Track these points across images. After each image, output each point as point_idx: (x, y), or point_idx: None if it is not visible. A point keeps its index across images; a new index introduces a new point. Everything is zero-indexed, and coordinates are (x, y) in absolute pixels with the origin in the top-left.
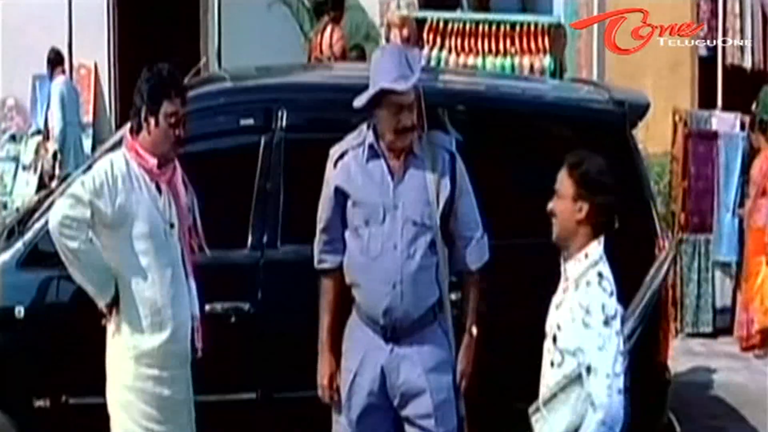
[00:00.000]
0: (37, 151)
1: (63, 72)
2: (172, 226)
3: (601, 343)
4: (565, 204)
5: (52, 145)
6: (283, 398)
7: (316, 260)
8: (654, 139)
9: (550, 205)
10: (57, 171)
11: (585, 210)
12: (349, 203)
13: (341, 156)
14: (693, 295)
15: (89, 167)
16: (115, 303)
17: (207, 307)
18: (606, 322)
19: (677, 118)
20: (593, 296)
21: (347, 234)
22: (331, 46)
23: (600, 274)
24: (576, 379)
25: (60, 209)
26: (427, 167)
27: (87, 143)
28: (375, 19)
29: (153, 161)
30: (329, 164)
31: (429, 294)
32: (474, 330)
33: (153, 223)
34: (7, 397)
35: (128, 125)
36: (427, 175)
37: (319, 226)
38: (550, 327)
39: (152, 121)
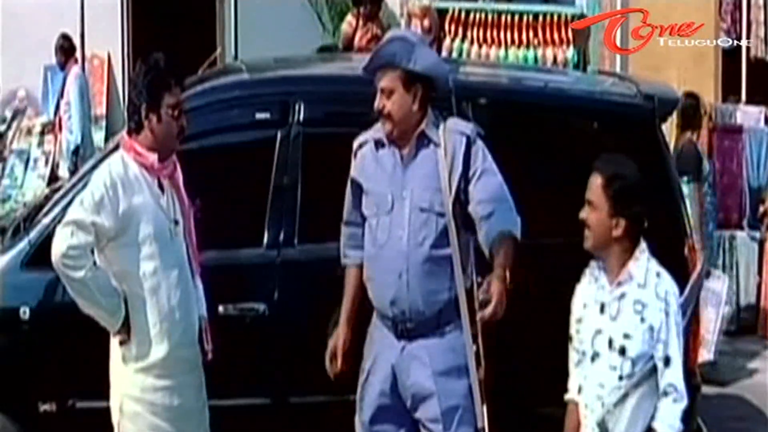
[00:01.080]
0: (41, 143)
1: (76, 61)
2: (176, 223)
3: (678, 330)
4: (600, 217)
5: (73, 141)
6: (299, 403)
7: (341, 256)
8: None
9: (584, 215)
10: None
11: (623, 226)
12: (363, 194)
13: (360, 146)
14: None
15: (95, 166)
16: (126, 323)
17: (220, 309)
18: (678, 308)
19: (701, 112)
20: (668, 285)
21: (365, 226)
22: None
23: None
24: (645, 377)
25: (62, 240)
26: (440, 154)
27: (100, 136)
28: (395, 9)
29: (153, 157)
30: (352, 156)
31: (440, 288)
32: (506, 273)
33: (157, 223)
34: (12, 401)
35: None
36: (440, 161)
37: (343, 219)
38: (605, 339)
39: (154, 117)
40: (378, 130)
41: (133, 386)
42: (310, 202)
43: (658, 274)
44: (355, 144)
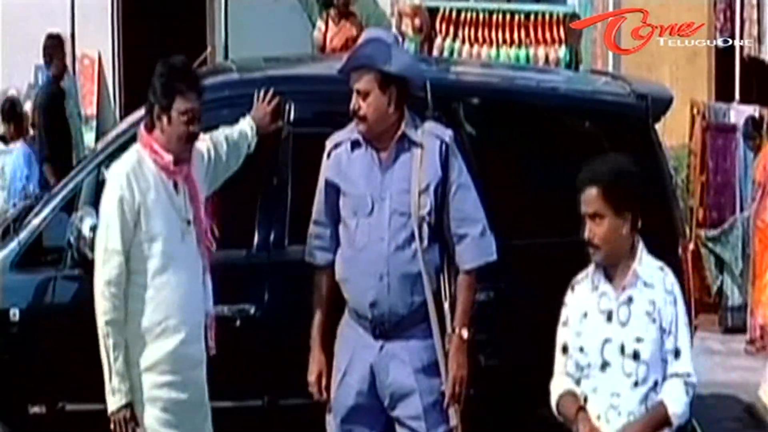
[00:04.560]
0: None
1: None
2: (188, 223)
3: (686, 320)
4: (609, 224)
5: None
6: (290, 405)
7: (306, 253)
8: (671, 131)
9: (590, 233)
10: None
11: (629, 219)
12: (340, 195)
13: (335, 146)
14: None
15: (98, 165)
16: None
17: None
18: (683, 299)
19: (695, 111)
20: (672, 277)
21: (340, 228)
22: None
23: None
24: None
25: (103, 273)
26: (417, 156)
27: (90, 136)
28: (386, 9)
29: (169, 158)
30: (324, 156)
31: (419, 289)
32: (464, 332)
33: (169, 223)
34: (1, 403)
35: (131, 117)
36: (414, 163)
37: (312, 218)
38: (615, 347)
39: (165, 119)
40: (352, 131)
41: (138, 390)
42: (301, 203)
43: (661, 268)
44: (329, 144)
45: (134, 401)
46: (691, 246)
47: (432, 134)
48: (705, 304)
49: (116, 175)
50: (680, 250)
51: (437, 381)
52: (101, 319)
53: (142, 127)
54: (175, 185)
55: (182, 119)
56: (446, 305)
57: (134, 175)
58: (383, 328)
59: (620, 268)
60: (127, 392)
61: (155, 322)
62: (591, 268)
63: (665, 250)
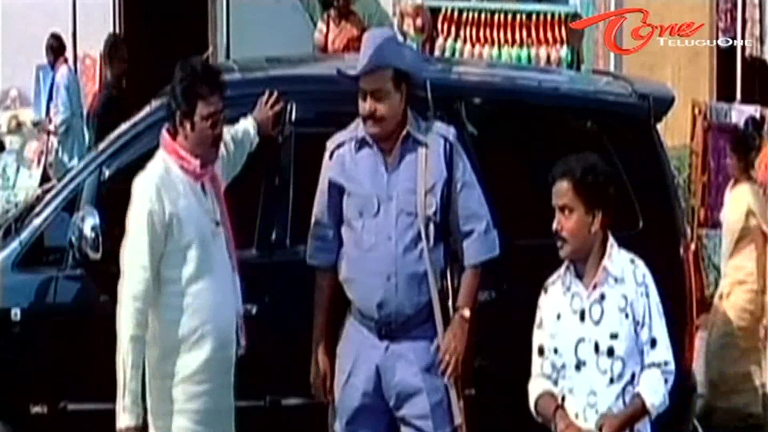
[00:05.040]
0: (23, 144)
1: (66, 61)
2: (217, 224)
3: (660, 309)
4: (577, 218)
5: (57, 140)
6: (292, 405)
7: (307, 254)
8: (672, 131)
9: (557, 225)
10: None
11: (599, 216)
12: (345, 196)
13: (338, 147)
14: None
15: (99, 165)
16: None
17: None
18: (655, 288)
19: (696, 110)
20: (643, 268)
21: (343, 228)
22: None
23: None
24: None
25: (129, 288)
26: (422, 156)
27: (91, 135)
28: (387, 8)
29: (195, 162)
30: (326, 156)
31: (425, 289)
32: (466, 312)
33: (200, 227)
34: (3, 403)
35: (133, 117)
36: (419, 163)
37: (313, 219)
38: (589, 346)
39: (188, 125)
40: (353, 131)
41: (175, 401)
42: (303, 203)
43: (632, 261)
44: (330, 144)
45: (160, 413)
46: (693, 246)
47: (436, 133)
48: (705, 304)
49: (145, 188)
50: (682, 250)
51: (440, 380)
52: (124, 335)
53: (164, 132)
54: (202, 187)
55: (206, 124)
56: (450, 304)
57: (163, 185)
58: (389, 329)
59: (591, 266)
60: (139, 414)
61: (192, 329)
62: (563, 269)
63: (667, 250)
